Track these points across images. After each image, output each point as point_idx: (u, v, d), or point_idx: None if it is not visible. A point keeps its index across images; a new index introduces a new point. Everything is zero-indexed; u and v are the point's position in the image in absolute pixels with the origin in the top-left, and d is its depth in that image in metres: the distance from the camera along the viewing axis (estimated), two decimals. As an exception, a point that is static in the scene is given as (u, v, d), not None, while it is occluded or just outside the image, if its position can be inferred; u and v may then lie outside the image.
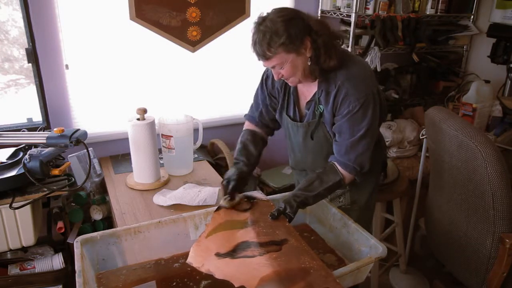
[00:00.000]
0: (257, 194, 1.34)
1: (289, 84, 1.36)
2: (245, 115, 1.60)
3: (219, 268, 1.00)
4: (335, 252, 1.28)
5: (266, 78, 1.49)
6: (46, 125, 1.99)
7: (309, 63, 1.26)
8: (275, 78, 1.30)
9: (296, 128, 1.44)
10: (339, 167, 1.31)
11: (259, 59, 1.26)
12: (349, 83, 1.26)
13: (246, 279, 0.95)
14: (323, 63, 1.25)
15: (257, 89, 1.54)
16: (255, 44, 1.21)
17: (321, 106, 1.34)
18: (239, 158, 1.42)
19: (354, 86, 1.26)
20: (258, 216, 1.22)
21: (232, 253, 1.05)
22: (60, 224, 1.71)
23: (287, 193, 1.33)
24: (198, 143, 2.02)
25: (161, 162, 1.94)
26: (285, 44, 1.18)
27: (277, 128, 1.58)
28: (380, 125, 1.41)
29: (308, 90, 1.40)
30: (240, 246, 1.07)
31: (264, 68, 1.47)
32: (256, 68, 2.40)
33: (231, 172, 1.36)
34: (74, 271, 1.02)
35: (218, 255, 1.05)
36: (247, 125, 1.58)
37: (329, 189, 1.30)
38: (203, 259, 1.04)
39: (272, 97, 1.49)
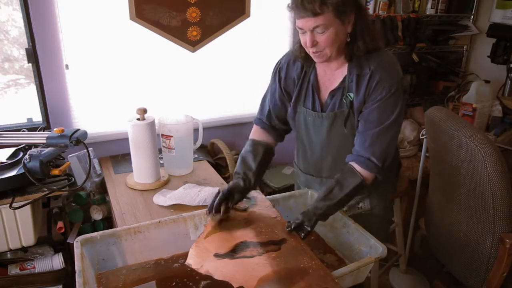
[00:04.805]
0: (255, 193, 1.34)
1: (317, 59, 1.24)
2: (254, 120, 1.51)
3: (218, 269, 1.00)
4: (335, 252, 1.28)
5: (279, 70, 1.40)
6: (46, 125, 1.99)
7: (348, 39, 1.20)
8: (308, 44, 1.18)
9: (320, 120, 1.33)
10: (357, 168, 1.22)
11: (300, 16, 1.14)
12: (382, 68, 1.21)
13: (245, 280, 0.95)
14: (363, 44, 1.20)
15: (268, 87, 1.46)
16: None
17: (350, 94, 1.26)
18: (237, 171, 1.33)
19: (388, 72, 1.21)
20: (256, 216, 1.22)
21: (231, 253, 1.05)
22: (60, 224, 1.72)
23: (308, 207, 1.22)
24: (198, 143, 2.02)
25: (161, 162, 1.94)
26: (338, 6, 1.11)
27: (288, 130, 1.48)
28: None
29: (330, 79, 1.31)
30: (239, 247, 1.07)
31: (273, 62, 1.42)
32: (256, 68, 2.41)
33: (226, 185, 1.27)
34: (74, 271, 1.02)
35: (217, 255, 1.05)
36: (254, 131, 1.47)
37: (350, 194, 1.21)
38: (202, 260, 1.04)
39: (285, 91, 1.40)
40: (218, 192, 1.21)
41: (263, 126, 1.45)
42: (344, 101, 1.27)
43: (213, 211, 1.18)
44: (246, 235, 1.13)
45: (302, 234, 1.14)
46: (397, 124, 1.24)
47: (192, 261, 1.05)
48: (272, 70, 1.45)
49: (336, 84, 1.29)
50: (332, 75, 1.31)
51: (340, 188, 1.20)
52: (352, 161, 1.25)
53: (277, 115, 1.44)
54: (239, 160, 1.36)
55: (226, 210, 1.20)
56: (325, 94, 1.33)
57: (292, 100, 1.38)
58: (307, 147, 1.43)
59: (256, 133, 1.45)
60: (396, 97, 1.21)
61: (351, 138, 1.29)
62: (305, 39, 1.19)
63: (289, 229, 1.14)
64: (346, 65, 1.27)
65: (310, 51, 1.22)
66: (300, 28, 1.18)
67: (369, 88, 1.22)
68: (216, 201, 1.19)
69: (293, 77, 1.37)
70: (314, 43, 1.18)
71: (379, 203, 1.46)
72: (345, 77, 1.27)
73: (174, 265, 1.18)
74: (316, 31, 1.15)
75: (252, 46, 2.37)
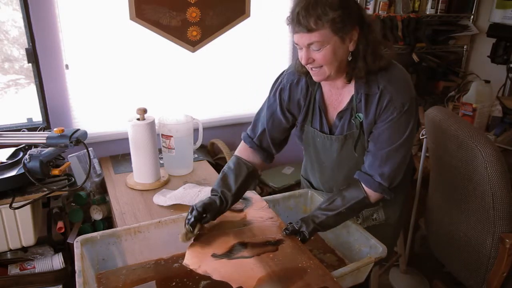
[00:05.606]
0: (251, 194, 1.34)
1: (315, 77, 1.16)
2: (242, 134, 1.38)
3: (216, 269, 1.00)
4: (335, 252, 1.28)
5: (280, 90, 1.30)
6: (46, 125, 1.99)
7: (349, 58, 1.12)
8: (303, 61, 1.12)
9: (329, 143, 1.27)
10: (363, 185, 1.19)
11: (295, 31, 1.08)
12: (392, 86, 1.13)
13: (244, 280, 0.95)
14: (364, 65, 1.12)
15: (263, 106, 1.36)
16: (299, 11, 1.04)
17: (359, 114, 1.19)
18: (215, 188, 1.22)
19: (399, 90, 1.14)
20: (252, 217, 1.22)
21: (229, 254, 1.05)
22: (60, 224, 1.72)
23: (309, 213, 1.20)
24: (198, 143, 2.03)
25: (161, 162, 1.94)
26: (336, 22, 1.03)
27: (276, 153, 1.38)
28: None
29: (337, 99, 1.25)
30: (236, 247, 1.07)
31: (272, 62, 1.35)
32: (256, 68, 2.41)
33: (201, 201, 1.17)
34: (74, 271, 1.02)
35: (214, 256, 1.05)
36: (241, 148, 1.35)
37: (351, 208, 1.18)
38: (199, 260, 1.04)
39: (287, 112, 1.31)
40: (193, 209, 1.13)
41: (251, 145, 1.33)
42: (353, 122, 1.21)
43: (189, 229, 1.11)
44: (242, 235, 1.13)
45: (299, 238, 1.13)
46: (410, 142, 1.18)
47: (189, 262, 1.05)
48: (272, 85, 1.35)
49: (343, 104, 1.23)
50: (338, 94, 1.24)
51: (341, 200, 1.18)
52: (359, 178, 1.22)
53: (272, 136, 1.34)
54: (219, 176, 1.26)
55: (200, 228, 1.13)
56: (333, 115, 1.27)
57: (299, 120, 1.33)
58: (317, 166, 1.39)
59: (243, 151, 1.34)
60: (408, 115, 1.15)
61: (362, 159, 1.25)
62: (301, 55, 1.13)
63: (285, 232, 1.14)
64: (353, 83, 1.19)
65: (307, 67, 1.16)
66: (296, 44, 1.12)
67: (380, 109, 1.15)
68: (191, 220, 1.11)
69: (297, 99, 1.29)
70: (309, 60, 1.11)
71: (394, 213, 1.42)
72: (352, 97, 1.20)
73: (174, 265, 1.18)
74: (311, 48, 1.09)
75: (252, 46, 2.37)
